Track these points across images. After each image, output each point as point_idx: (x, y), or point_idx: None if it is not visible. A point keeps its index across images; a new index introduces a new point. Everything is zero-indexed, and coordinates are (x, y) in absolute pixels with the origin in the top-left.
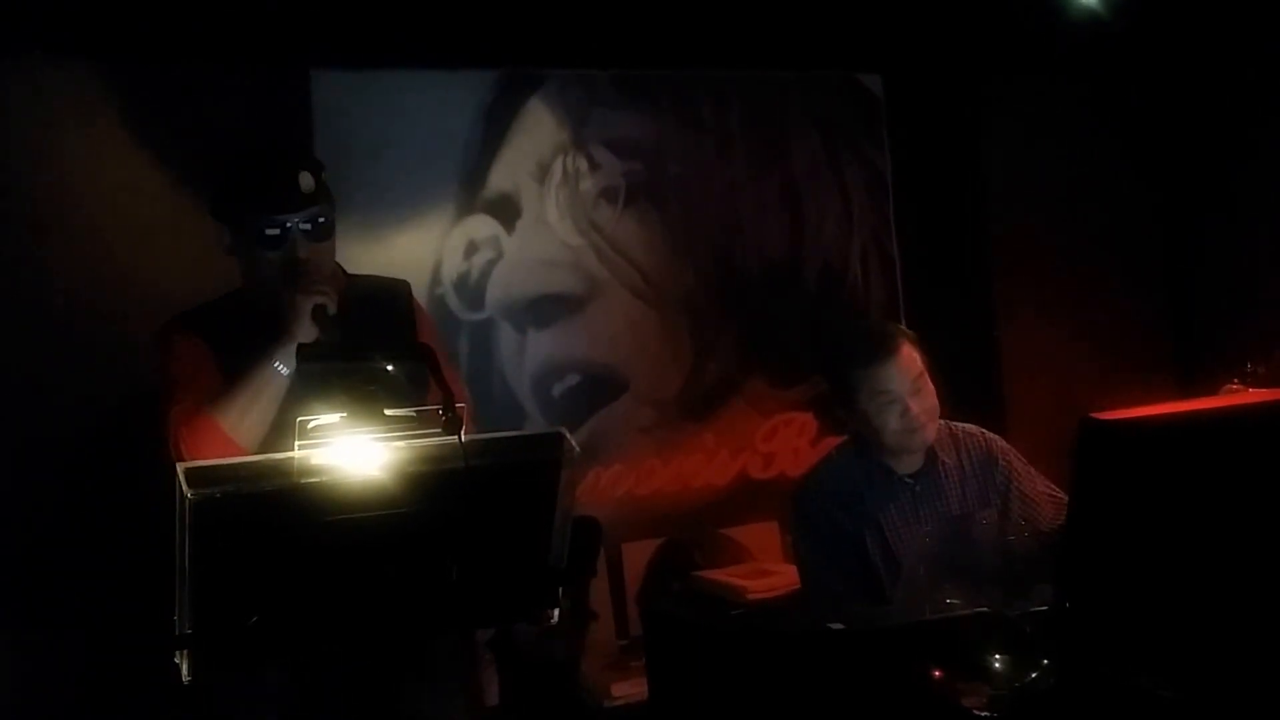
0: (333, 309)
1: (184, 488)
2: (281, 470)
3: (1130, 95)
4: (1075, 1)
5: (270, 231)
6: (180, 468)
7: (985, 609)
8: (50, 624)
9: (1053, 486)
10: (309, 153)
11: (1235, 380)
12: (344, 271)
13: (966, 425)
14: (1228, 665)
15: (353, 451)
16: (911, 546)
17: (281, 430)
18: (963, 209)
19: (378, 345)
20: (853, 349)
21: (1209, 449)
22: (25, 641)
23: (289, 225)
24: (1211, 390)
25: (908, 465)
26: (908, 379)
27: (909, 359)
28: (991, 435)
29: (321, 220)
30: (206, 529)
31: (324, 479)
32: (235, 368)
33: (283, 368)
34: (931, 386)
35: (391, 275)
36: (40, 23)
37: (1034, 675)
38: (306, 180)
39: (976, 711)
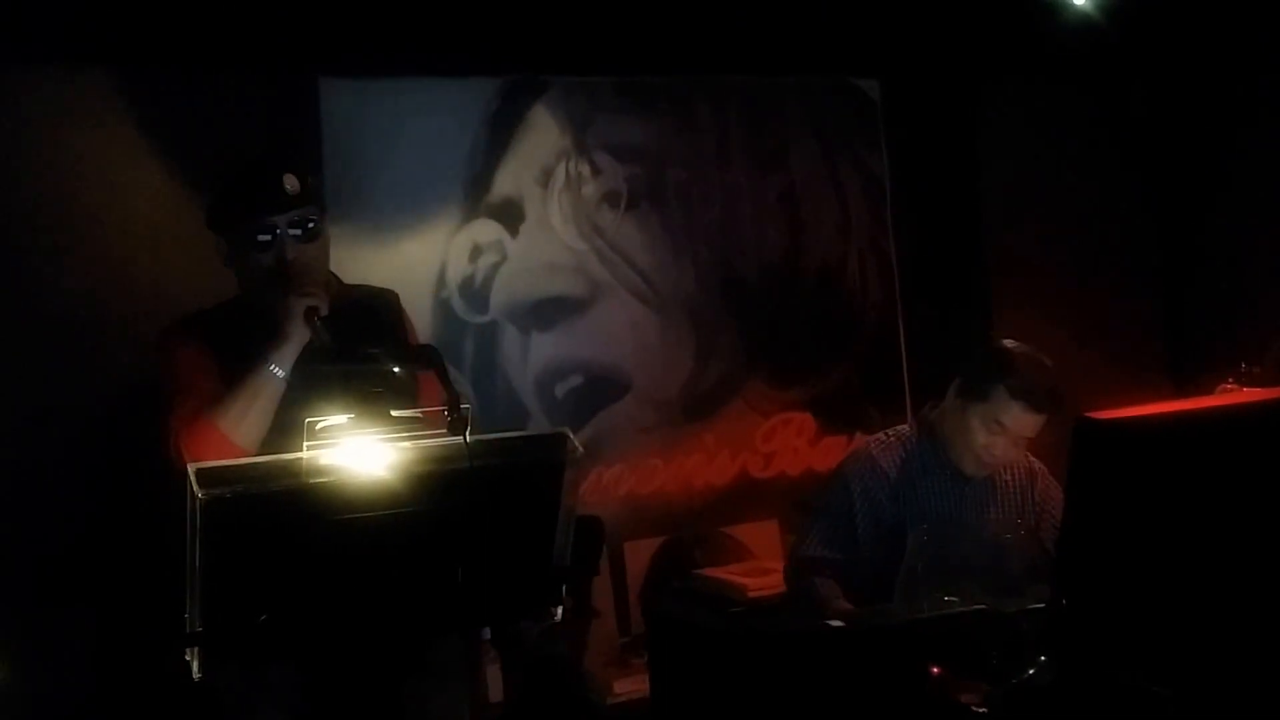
0: (324, 311)
1: (195, 488)
2: (290, 470)
3: (1125, 98)
4: (1070, 5)
5: (261, 237)
6: (191, 468)
7: (983, 606)
8: (58, 623)
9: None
10: (297, 157)
11: (1230, 380)
12: (338, 279)
13: None
14: (1223, 662)
15: (360, 452)
16: (919, 543)
17: (280, 432)
18: (959, 212)
19: (385, 347)
20: (1017, 376)
21: (1204, 448)
22: (34, 641)
23: (278, 230)
24: (1207, 390)
25: (972, 472)
26: (1023, 432)
27: (1039, 424)
28: (1036, 460)
29: (310, 224)
30: (217, 528)
31: (332, 479)
32: (235, 372)
33: (278, 371)
34: (1025, 448)
35: (398, 278)
36: (52, 31)
37: (1031, 672)
38: (291, 182)
39: (974, 708)
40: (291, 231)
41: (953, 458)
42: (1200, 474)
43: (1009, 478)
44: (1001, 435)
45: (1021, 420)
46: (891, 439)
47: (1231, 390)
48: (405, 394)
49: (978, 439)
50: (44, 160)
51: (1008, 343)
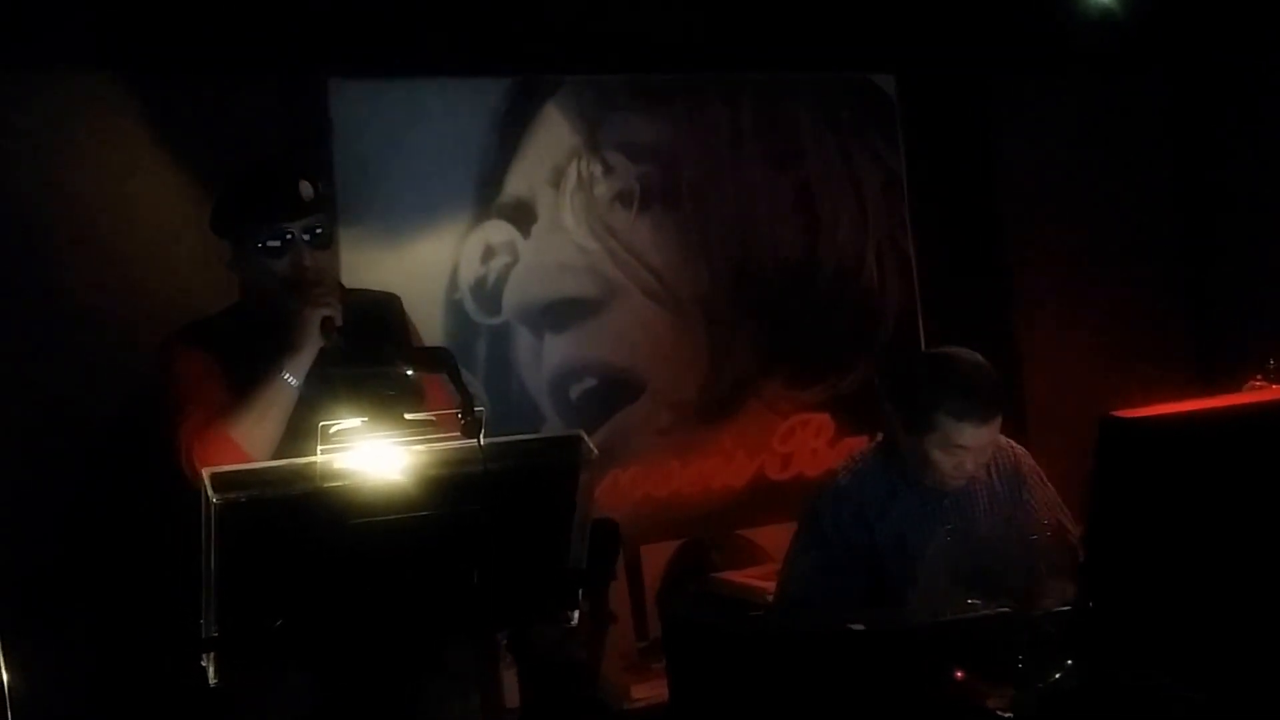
0: (339, 321)
1: (209, 492)
2: (304, 474)
3: (1146, 90)
4: None
5: (272, 243)
6: (205, 473)
7: (1007, 609)
8: (63, 628)
9: (1065, 511)
10: (308, 162)
11: (1258, 376)
12: (340, 285)
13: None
14: (1252, 665)
15: (374, 456)
16: (933, 551)
17: (292, 437)
18: (978, 207)
19: (397, 349)
20: (954, 397)
21: (1232, 446)
22: (42, 646)
23: (290, 235)
24: (1234, 387)
25: (949, 490)
26: (983, 444)
27: (995, 428)
28: (1020, 449)
29: (319, 230)
30: (231, 533)
31: (346, 483)
32: (239, 379)
33: (291, 379)
34: (992, 451)
35: (410, 280)
36: (61, 34)
37: (1057, 676)
38: (306, 188)
39: (999, 712)
40: (304, 237)
41: (925, 481)
42: (1228, 472)
43: (993, 477)
44: (964, 453)
45: (976, 435)
46: (857, 464)
47: (1260, 387)
48: (413, 397)
49: (943, 466)
50: (53, 163)
51: (933, 354)
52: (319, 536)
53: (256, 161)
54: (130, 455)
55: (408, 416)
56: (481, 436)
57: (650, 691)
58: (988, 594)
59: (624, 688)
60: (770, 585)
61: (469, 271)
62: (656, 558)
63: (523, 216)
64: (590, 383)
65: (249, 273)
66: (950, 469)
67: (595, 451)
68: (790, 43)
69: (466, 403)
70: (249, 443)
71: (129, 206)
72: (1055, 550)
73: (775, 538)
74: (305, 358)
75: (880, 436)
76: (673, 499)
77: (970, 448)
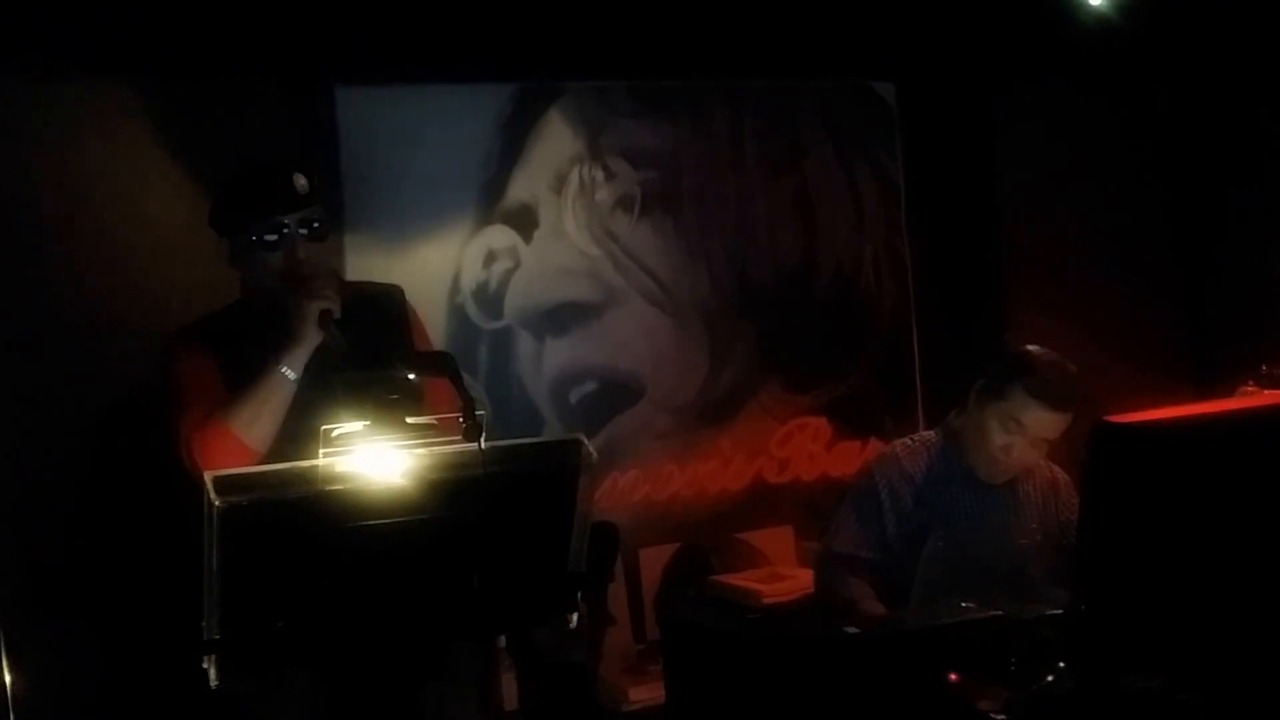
0: (337, 314)
1: (211, 495)
2: (306, 477)
3: (1143, 99)
4: (1086, 6)
5: (269, 236)
6: (208, 476)
7: (1001, 612)
8: (71, 630)
9: None
10: (303, 157)
11: (1251, 382)
12: (340, 278)
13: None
14: (1245, 668)
15: (375, 459)
16: (934, 550)
17: (293, 440)
18: (974, 215)
19: (399, 353)
20: (1036, 376)
21: (1225, 451)
22: (45, 647)
23: (286, 229)
24: (1227, 392)
25: (989, 477)
26: (1042, 433)
27: (1058, 424)
28: (1057, 468)
29: (317, 224)
30: (233, 536)
31: (347, 486)
32: (240, 376)
33: (289, 372)
34: (1044, 451)
35: (412, 284)
36: (69, 40)
37: (1050, 679)
38: (301, 181)
39: (993, 715)
40: (301, 230)
41: (972, 463)
42: (1220, 477)
43: (1030, 488)
44: (1020, 435)
45: (1040, 420)
46: (917, 444)
47: (1252, 393)
48: (414, 400)
49: (995, 440)
50: (61, 169)
51: (1030, 346)
52: (321, 539)
53: (254, 159)
54: (133, 457)
55: (409, 420)
56: (482, 440)
57: (648, 694)
58: (992, 594)
59: (622, 690)
60: (767, 588)
61: (471, 276)
62: (655, 561)
63: (525, 222)
64: (590, 386)
65: (247, 268)
66: (998, 448)
67: (595, 455)
68: (791, 50)
69: (468, 406)
70: (248, 435)
71: (134, 212)
72: (1047, 555)
73: (773, 541)
74: (303, 351)
75: (938, 428)
76: (671, 502)
77: (1028, 428)
